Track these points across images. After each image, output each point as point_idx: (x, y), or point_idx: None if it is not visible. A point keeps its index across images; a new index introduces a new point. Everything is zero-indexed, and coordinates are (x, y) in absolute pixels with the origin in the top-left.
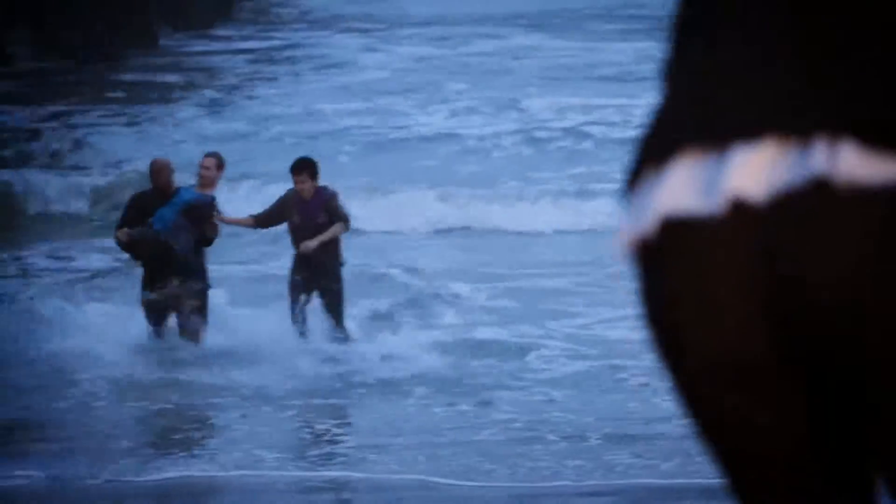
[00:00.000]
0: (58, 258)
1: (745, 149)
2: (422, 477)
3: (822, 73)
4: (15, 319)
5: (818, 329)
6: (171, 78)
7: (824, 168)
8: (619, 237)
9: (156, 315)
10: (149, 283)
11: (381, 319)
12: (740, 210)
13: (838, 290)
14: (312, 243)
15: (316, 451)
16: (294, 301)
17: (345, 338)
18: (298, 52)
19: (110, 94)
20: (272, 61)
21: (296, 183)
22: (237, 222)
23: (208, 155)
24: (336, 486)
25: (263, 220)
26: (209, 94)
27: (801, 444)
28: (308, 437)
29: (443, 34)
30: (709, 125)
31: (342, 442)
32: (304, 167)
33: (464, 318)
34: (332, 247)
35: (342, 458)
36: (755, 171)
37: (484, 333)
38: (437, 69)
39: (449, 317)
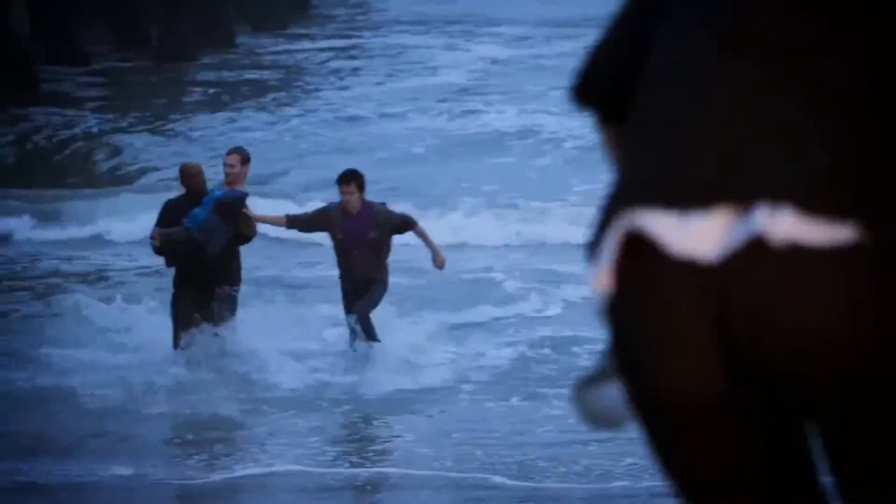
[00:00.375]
0: (125, 258)
1: (700, 215)
2: (478, 475)
3: (765, 142)
4: (79, 323)
5: (767, 372)
6: (248, 77)
7: (765, 230)
8: (596, 280)
9: (185, 318)
10: (180, 284)
11: (443, 320)
12: (694, 269)
13: (783, 341)
14: (443, 260)
15: (374, 448)
16: (351, 315)
17: (370, 334)
18: (375, 52)
19: (188, 95)
20: (349, 60)
21: (343, 194)
22: (269, 220)
23: (231, 151)
24: (391, 482)
25: (297, 223)
26: (285, 93)
27: (752, 475)
28: (365, 433)
29: (520, 35)
30: (667, 193)
31: (399, 438)
32: (352, 178)
33: (521, 317)
34: (382, 259)
35: (397, 455)
36: (707, 236)
37: (538, 332)
38: (513, 70)
39: (506, 317)
